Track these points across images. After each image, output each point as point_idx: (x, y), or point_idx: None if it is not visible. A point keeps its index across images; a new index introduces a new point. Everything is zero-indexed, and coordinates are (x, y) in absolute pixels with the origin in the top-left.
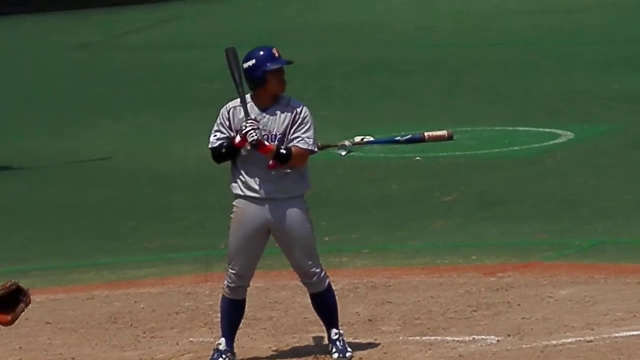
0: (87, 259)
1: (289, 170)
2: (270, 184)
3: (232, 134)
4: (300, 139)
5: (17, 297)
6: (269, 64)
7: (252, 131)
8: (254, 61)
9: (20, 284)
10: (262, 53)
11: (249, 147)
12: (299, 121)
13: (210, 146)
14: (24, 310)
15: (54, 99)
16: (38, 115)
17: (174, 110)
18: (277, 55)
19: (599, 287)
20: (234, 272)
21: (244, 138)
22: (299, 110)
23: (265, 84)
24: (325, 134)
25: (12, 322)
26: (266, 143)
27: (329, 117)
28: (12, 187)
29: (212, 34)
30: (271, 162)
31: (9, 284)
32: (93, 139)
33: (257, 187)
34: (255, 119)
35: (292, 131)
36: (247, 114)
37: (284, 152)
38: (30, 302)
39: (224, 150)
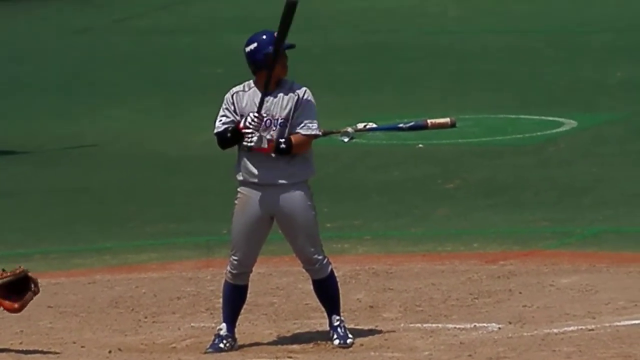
0: (88, 243)
1: (292, 159)
2: (274, 170)
3: (237, 118)
4: (303, 124)
5: (25, 284)
6: (271, 47)
7: (251, 134)
8: (255, 44)
9: (29, 272)
10: (264, 37)
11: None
12: (302, 105)
13: (215, 131)
14: (32, 299)
15: (57, 83)
16: (41, 99)
17: (177, 95)
18: None
19: (601, 276)
20: (236, 258)
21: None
22: (301, 94)
23: (267, 68)
24: (328, 120)
25: (19, 310)
26: (262, 146)
27: (332, 103)
28: (14, 171)
29: (216, 18)
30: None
31: (18, 271)
32: (96, 123)
33: (261, 173)
34: (260, 116)
35: (295, 115)
36: (260, 105)
37: (284, 146)
38: (38, 292)
39: (229, 135)
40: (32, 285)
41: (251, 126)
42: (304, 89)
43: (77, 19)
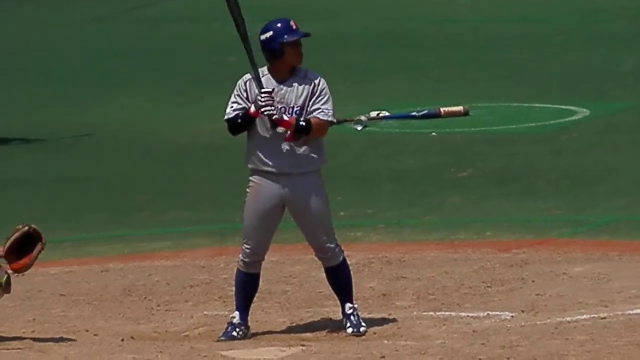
0: (101, 232)
1: (303, 148)
2: (285, 158)
3: (248, 105)
4: (319, 110)
5: (32, 243)
6: (286, 36)
7: (267, 107)
8: (270, 33)
9: (34, 226)
10: (279, 25)
11: (266, 119)
12: (317, 93)
13: (225, 117)
14: (40, 252)
15: (69, 72)
16: (53, 88)
17: (188, 83)
18: (294, 27)
19: (613, 264)
20: (248, 246)
21: (259, 110)
22: (316, 82)
23: (282, 56)
24: (340, 108)
25: (29, 265)
26: (284, 117)
27: (345, 91)
28: (26, 160)
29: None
30: (288, 134)
31: (23, 227)
32: (107, 111)
33: (272, 162)
34: (268, 92)
35: (311, 103)
36: (259, 85)
37: (303, 123)
38: (45, 244)
39: (239, 121)
40: (38, 239)
41: (264, 103)
42: (318, 77)
43: (89, 8)
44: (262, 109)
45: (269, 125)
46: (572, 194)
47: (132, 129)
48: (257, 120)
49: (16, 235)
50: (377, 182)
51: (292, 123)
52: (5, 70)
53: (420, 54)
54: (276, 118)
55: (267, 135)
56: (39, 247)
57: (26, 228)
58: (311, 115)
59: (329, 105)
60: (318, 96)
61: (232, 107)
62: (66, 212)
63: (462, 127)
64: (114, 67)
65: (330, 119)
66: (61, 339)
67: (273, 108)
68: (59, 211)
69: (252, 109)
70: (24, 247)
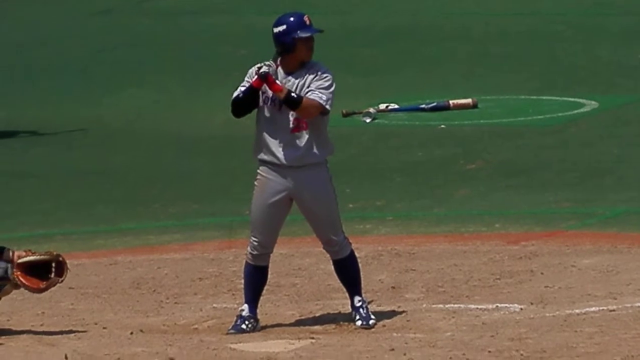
0: (110, 225)
1: (307, 140)
2: (292, 149)
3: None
4: (312, 91)
5: (46, 269)
6: (299, 31)
7: (265, 66)
8: (284, 26)
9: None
10: (292, 19)
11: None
12: (318, 77)
13: (232, 98)
14: (56, 284)
15: (78, 65)
16: (62, 81)
17: (198, 76)
18: (308, 22)
19: (622, 256)
20: (256, 239)
21: (258, 75)
22: (321, 72)
23: (294, 51)
24: (349, 101)
25: (44, 290)
26: (277, 82)
27: (354, 84)
28: (36, 153)
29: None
30: (291, 125)
31: (55, 253)
32: (117, 104)
33: (279, 153)
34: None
35: (310, 84)
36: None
37: (294, 95)
38: (64, 279)
39: (240, 95)
40: (60, 270)
41: (264, 65)
42: (326, 68)
43: (96, 1)
44: (260, 68)
45: (269, 103)
46: (581, 187)
47: (142, 122)
48: (263, 109)
49: (45, 257)
50: (386, 175)
51: (284, 90)
52: (15, 64)
53: (429, 47)
54: (268, 73)
55: (275, 126)
56: (56, 280)
57: (60, 257)
58: (304, 94)
59: (326, 92)
60: (318, 79)
61: (239, 90)
62: (75, 204)
63: (471, 120)
64: (124, 60)
65: (322, 102)
66: (70, 332)
67: (270, 69)
68: (68, 204)
69: (255, 81)
70: (39, 269)
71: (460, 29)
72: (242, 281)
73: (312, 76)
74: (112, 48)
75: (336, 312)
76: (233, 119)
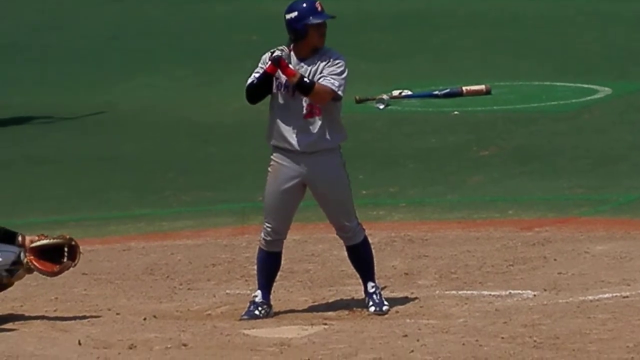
0: (123, 211)
1: (319, 125)
2: (305, 135)
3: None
4: (325, 77)
5: (59, 253)
6: (311, 17)
7: (278, 51)
8: (296, 13)
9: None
10: (304, 5)
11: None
12: (331, 63)
13: (246, 84)
14: (69, 268)
15: (91, 52)
16: (77, 68)
17: (211, 63)
18: (319, 9)
19: (635, 243)
20: (269, 225)
21: (271, 59)
22: (334, 57)
23: (306, 37)
24: (363, 87)
25: (57, 274)
26: (290, 66)
27: (367, 71)
28: (50, 139)
29: None
30: (305, 111)
31: (68, 237)
32: (130, 91)
33: (292, 139)
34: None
35: (322, 70)
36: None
37: (307, 80)
38: (77, 263)
39: (255, 82)
40: (73, 254)
41: (278, 50)
42: (339, 54)
43: None
44: (273, 52)
45: (282, 89)
46: (594, 173)
47: (155, 109)
48: (277, 95)
49: (57, 241)
50: (399, 161)
51: (297, 74)
52: (29, 51)
53: (442, 33)
54: (281, 58)
55: (288, 112)
56: (69, 264)
57: (72, 241)
58: (317, 80)
59: (338, 78)
60: (330, 65)
61: (253, 76)
62: (89, 191)
63: (484, 106)
64: (137, 47)
65: (334, 88)
66: (83, 318)
67: (283, 54)
68: (82, 190)
69: (269, 66)
70: (51, 253)
71: (473, 14)
72: (255, 267)
73: (324, 62)
74: (126, 35)
75: (349, 298)
76: (246, 105)
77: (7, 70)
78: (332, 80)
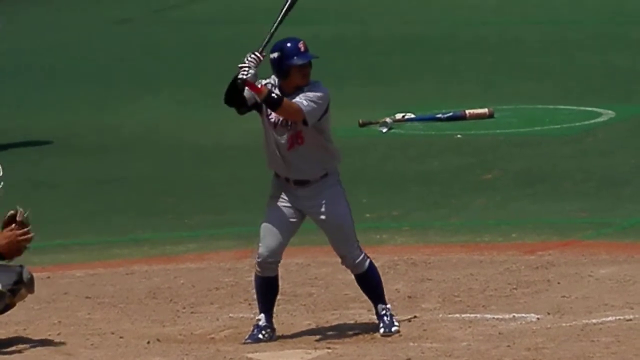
0: (126, 234)
1: (303, 156)
2: (293, 166)
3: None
4: (299, 97)
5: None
6: (295, 58)
7: (246, 68)
8: (278, 53)
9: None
10: (288, 45)
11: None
12: (309, 89)
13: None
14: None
15: (95, 74)
16: (80, 90)
17: (215, 85)
18: (302, 49)
19: (639, 266)
20: (261, 250)
21: (237, 85)
22: (315, 87)
23: (289, 77)
24: (366, 111)
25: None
26: (257, 85)
27: (371, 94)
28: (52, 162)
29: (255, 9)
30: (288, 144)
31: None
32: (134, 113)
33: (282, 170)
34: (258, 57)
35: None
36: (263, 46)
37: (275, 95)
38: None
39: (229, 85)
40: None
41: (248, 62)
42: (321, 87)
43: (116, 10)
44: (240, 66)
45: (266, 117)
46: (598, 196)
47: (159, 131)
48: (264, 122)
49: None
50: (402, 184)
51: (264, 91)
52: (32, 72)
53: (446, 56)
54: (246, 80)
55: (273, 141)
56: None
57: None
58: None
59: (309, 100)
60: (308, 92)
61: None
62: (92, 214)
63: (487, 129)
64: (141, 69)
65: (302, 107)
66: (87, 341)
67: (249, 71)
68: (84, 214)
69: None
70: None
71: (477, 38)
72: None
73: (305, 91)
74: (129, 57)
75: (353, 321)
76: (250, 128)
77: (11, 92)
78: (302, 100)
